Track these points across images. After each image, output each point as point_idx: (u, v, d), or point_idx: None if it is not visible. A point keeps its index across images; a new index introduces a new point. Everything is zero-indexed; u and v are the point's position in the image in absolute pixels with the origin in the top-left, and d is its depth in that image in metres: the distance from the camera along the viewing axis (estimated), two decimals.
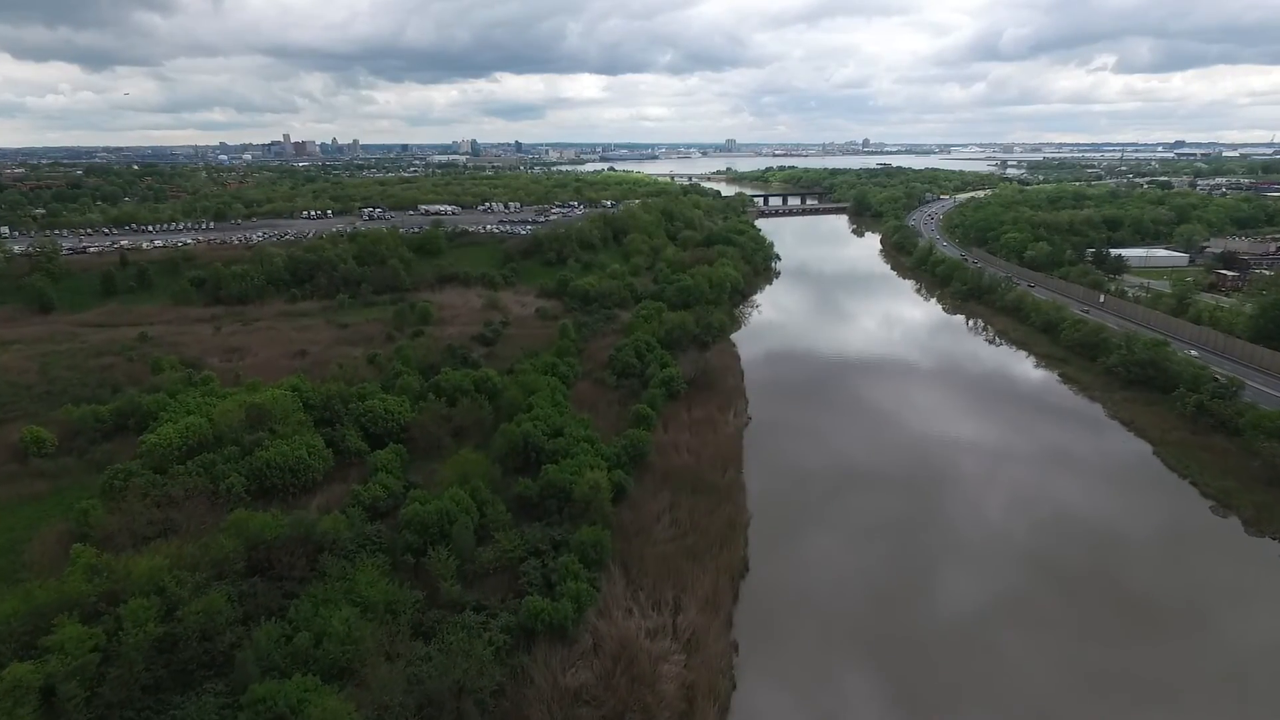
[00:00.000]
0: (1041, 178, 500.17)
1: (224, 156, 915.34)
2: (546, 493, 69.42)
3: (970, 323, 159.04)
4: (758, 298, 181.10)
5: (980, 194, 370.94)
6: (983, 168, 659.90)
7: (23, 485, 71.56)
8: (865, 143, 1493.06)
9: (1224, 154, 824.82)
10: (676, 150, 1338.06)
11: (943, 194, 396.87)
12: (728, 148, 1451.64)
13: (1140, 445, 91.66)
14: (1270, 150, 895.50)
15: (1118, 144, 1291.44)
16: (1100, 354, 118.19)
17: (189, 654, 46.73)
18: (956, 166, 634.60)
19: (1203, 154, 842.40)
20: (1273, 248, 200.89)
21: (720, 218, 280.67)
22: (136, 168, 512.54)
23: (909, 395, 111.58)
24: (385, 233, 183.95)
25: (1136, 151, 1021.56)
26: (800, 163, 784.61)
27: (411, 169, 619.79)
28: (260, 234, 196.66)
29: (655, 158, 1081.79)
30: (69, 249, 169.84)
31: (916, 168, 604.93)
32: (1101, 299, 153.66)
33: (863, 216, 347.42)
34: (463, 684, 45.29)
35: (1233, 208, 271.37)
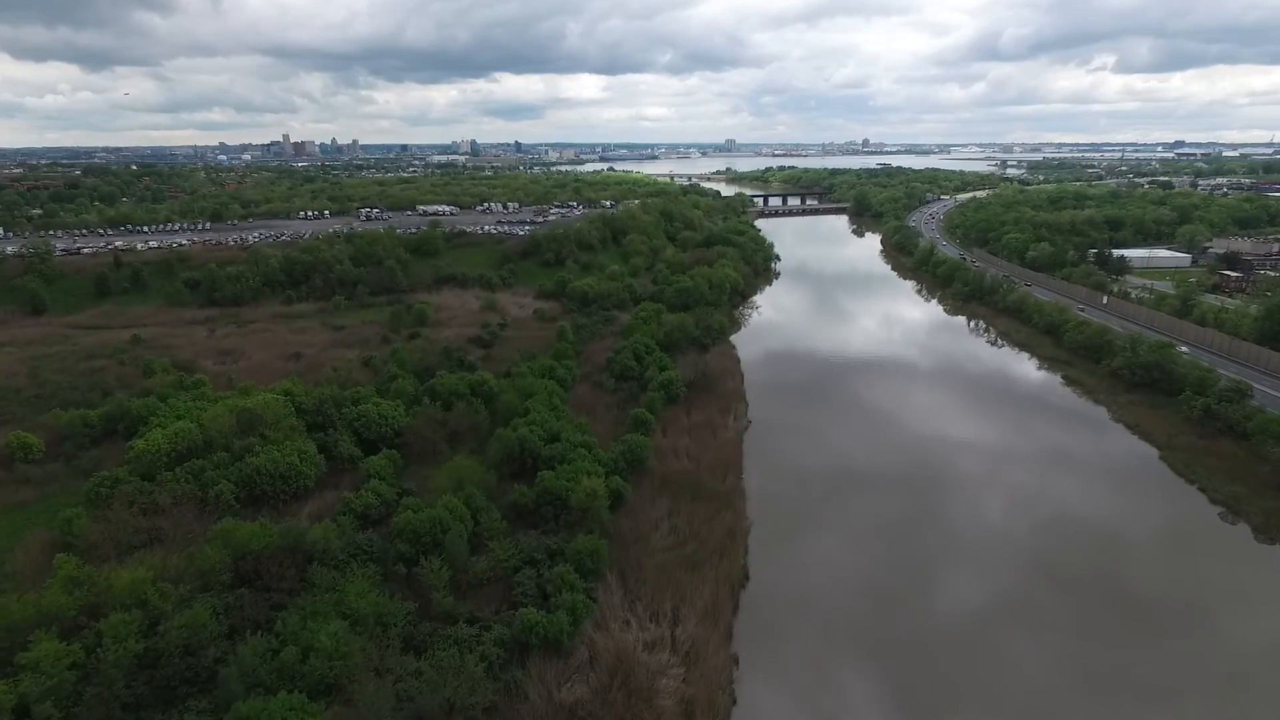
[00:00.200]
0: (1042, 178, 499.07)
1: (223, 157, 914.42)
2: (542, 500, 67.97)
3: (972, 324, 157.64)
4: (758, 299, 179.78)
5: (981, 194, 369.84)
6: (982, 168, 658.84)
7: (8, 492, 70.17)
8: (865, 143, 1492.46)
9: (1224, 154, 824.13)
10: (676, 150, 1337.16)
11: (943, 194, 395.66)
12: (727, 148, 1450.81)
13: (1146, 449, 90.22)
14: (1270, 150, 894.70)
15: (1117, 144, 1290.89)
16: (1104, 356, 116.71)
17: (171, 670, 45.25)
18: (956, 166, 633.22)
19: (1202, 154, 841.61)
20: (1276, 248, 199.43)
21: (720, 218, 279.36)
22: (135, 168, 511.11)
23: (911, 397, 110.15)
24: (382, 233, 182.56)
25: (1136, 151, 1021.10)
26: (800, 163, 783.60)
27: (411, 169, 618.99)
28: (256, 235, 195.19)
29: (655, 158, 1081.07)
30: (63, 250, 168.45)
31: (916, 168, 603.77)
32: (1104, 300, 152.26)
33: (863, 217, 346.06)
34: (454, 701, 43.87)
35: (1234, 208, 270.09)
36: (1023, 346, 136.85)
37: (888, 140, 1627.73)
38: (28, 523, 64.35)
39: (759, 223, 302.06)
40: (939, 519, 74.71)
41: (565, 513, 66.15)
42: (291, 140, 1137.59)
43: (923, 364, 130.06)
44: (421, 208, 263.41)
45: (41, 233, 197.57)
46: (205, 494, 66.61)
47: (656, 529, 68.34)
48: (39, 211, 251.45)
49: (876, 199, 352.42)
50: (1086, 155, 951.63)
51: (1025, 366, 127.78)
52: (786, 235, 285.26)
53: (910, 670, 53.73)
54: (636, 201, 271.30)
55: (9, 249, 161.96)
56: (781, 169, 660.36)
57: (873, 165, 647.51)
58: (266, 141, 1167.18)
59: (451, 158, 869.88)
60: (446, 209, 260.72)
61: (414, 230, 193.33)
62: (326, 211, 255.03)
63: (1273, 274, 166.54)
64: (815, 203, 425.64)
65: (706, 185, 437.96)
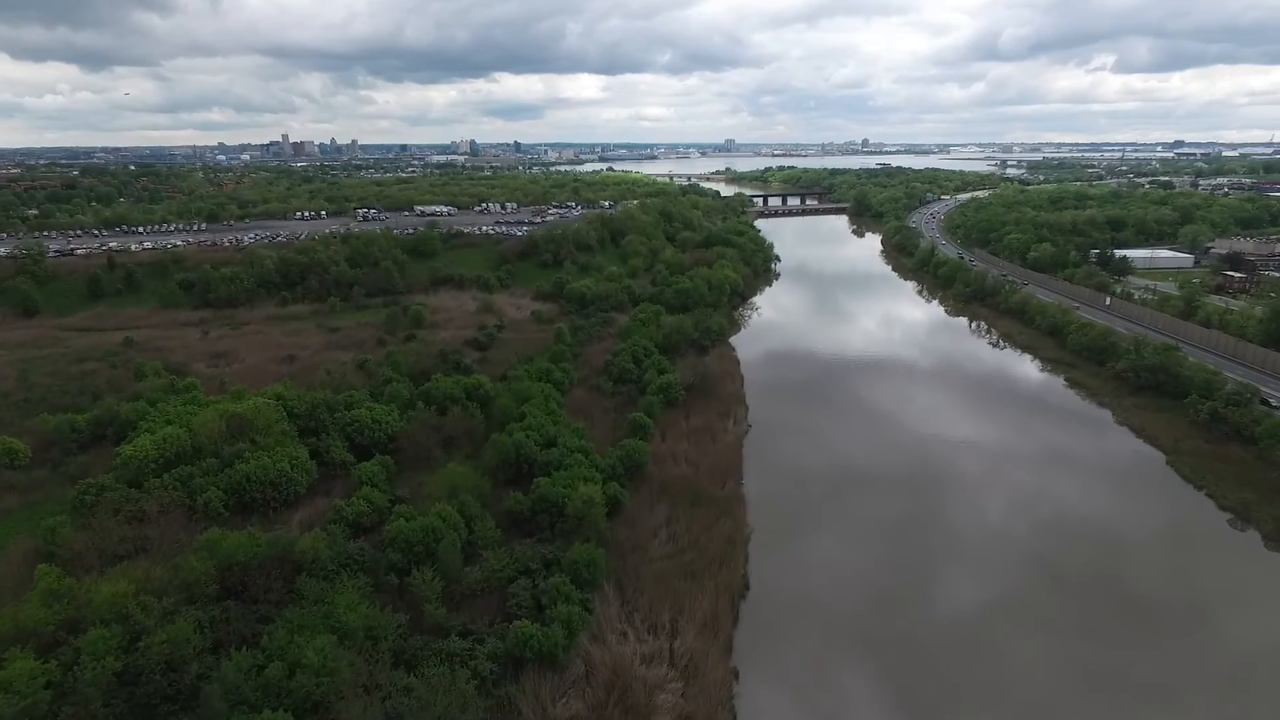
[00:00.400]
0: (1042, 178, 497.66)
1: (222, 157, 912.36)
2: (538, 507, 66.51)
3: (974, 325, 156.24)
4: (757, 299, 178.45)
5: (981, 194, 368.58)
6: (982, 168, 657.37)
7: None
8: (864, 143, 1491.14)
9: (1223, 154, 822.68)
10: (675, 150, 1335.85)
11: (943, 194, 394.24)
12: (727, 148, 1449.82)
13: (1153, 453, 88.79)
14: (1270, 150, 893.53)
15: (1117, 144, 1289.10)
16: (1109, 358, 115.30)
17: (152, 687, 43.69)
18: (956, 166, 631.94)
19: (1202, 154, 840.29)
20: (1279, 248, 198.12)
21: (719, 218, 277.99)
22: (133, 168, 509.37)
23: (912, 400, 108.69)
24: (379, 234, 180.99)
25: (1136, 151, 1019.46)
26: (799, 163, 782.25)
27: (410, 169, 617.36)
28: (252, 235, 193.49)
29: (654, 158, 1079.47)
30: (56, 251, 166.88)
31: (916, 168, 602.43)
32: (1107, 301, 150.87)
33: (863, 217, 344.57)
34: None
35: (1236, 208, 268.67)
36: (1026, 348, 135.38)
37: (887, 140, 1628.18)
38: (11, 531, 62.88)
39: (758, 223, 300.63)
40: (947, 528, 73.25)
41: (561, 520, 64.70)
42: (291, 140, 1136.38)
43: (925, 365, 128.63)
44: (419, 208, 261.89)
45: (35, 234, 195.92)
46: (193, 502, 65.17)
47: (655, 537, 66.93)
48: (35, 212, 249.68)
49: (876, 199, 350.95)
50: (1086, 155, 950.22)
51: (1028, 368, 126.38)
52: (786, 235, 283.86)
53: (914, 679, 52.66)
54: (635, 202, 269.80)
55: (1, 250, 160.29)
56: (781, 169, 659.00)
57: (872, 165, 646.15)
58: (266, 142, 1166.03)
59: (451, 158, 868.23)
60: (444, 209, 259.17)
61: (411, 231, 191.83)
62: (323, 212, 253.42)
63: (1276, 275, 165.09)
64: (815, 203, 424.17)
65: (706, 185, 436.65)
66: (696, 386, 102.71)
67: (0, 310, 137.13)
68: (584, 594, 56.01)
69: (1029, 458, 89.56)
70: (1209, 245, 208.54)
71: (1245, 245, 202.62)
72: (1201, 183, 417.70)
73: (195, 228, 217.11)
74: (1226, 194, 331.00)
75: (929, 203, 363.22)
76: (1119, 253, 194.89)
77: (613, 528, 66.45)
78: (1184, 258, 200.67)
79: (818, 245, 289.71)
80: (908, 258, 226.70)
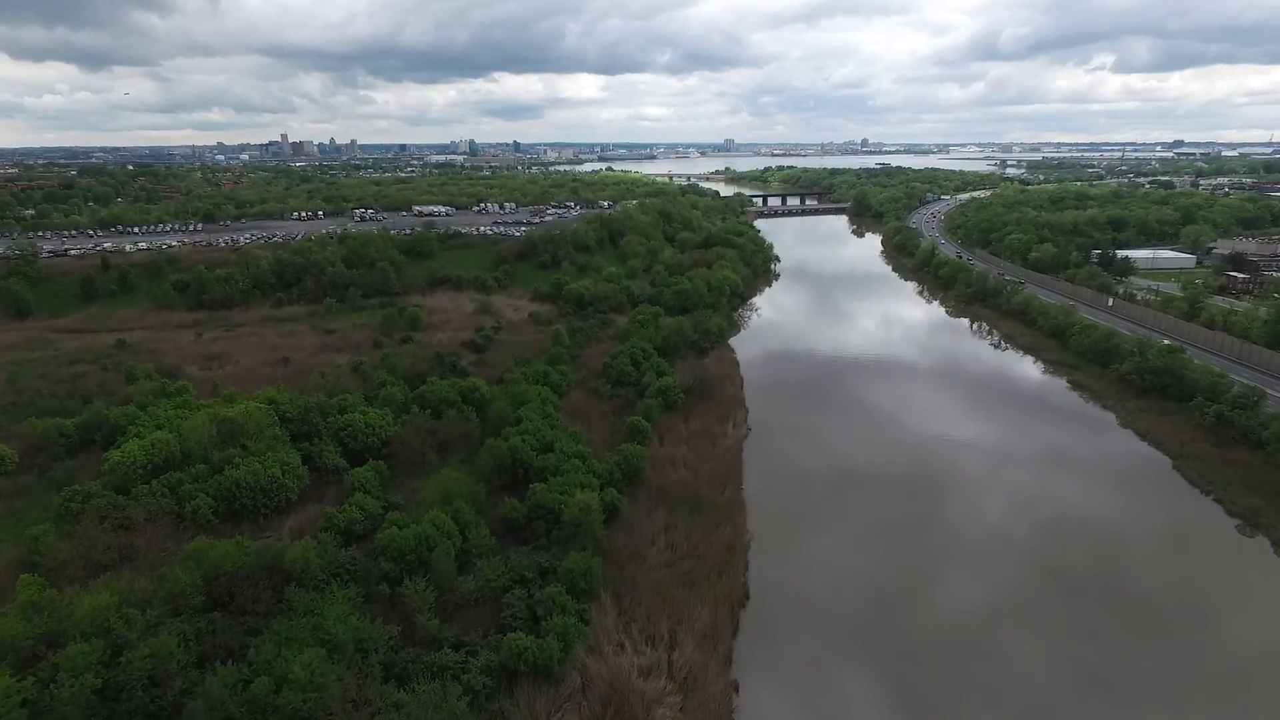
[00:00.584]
0: (1042, 177, 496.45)
1: (221, 157, 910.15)
2: (534, 514, 65.25)
3: (975, 326, 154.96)
4: (757, 300, 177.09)
5: (981, 194, 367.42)
6: (982, 167, 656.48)
7: None
8: (864, 142, 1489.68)
9: (1223, 153, 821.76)
10: (675, 150, 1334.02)
11: (943, 194, 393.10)
12: (726, 148, 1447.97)
13: (1159, 457, 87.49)
14: (1269, 150, 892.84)
15: (1117, 144, 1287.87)
16: (1112, 360, 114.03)
17: (134, 704, 42.39)
18: (955, 166, 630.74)
19: (1202, 153, 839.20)
20: None
21: (719, 218, 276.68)
22: (131, 168, 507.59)
23: (914, 402, 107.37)
24: (375, 235, 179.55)
25: (1135, 151, 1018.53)
26: (799, 162, 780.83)
27: (409, 169, 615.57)
28: (248, 236, 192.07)
29: (653, 158, 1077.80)
30: (50, 251, 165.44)
31: (916, 167, 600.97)
32: (1110, 302, 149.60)
33: (863, 217, 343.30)
34: None
35: (1238, 208, 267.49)
36: (1028, 350, 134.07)
37: (887, 140, 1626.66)
38: None
39: (758, 223, 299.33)
40: (949, 533, 71.90)
41: (558, 528, 63.41)
42: (290, 140, 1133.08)
43: (925, 367, 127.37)
44: (417, 208, 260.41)
45: (30, 234, 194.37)
46: (182, 509, 63.87)
47: (653, 545, 65.56)
48: (31, 212, 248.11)
49: (876, 199, 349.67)
50: (1086, 155, 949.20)
51: (1030, 370, 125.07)
52: (786, 235, 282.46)
53: (915, 681, 51.98)
54: (634, 202, 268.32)
55: None
56: (780, 169, 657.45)
57: (872, 165, 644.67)
58: (265, 141, 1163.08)
59: (450, 158, 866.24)
60: (442, 209, 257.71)
61: (409, 231, 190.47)
62: (321, 212, 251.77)
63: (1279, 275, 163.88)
64: (815, 203, 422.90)
65: (705, 185, 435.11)
66: (696, 389, 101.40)
67: None
68: (580, 604, 54.74)
69: (1032, 460, 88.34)
70: (1211, 246, 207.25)
71: (1248, 246, 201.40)
72: (1202, 183, 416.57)
73: (191, 228, 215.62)
74: (1227, 194, 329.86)
75: (929, 203, 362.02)
76: (1121, 253, 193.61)
77: (610, 535, 65.17)
78: (1186, 258, 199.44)
79: (817, 245, 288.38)
80: (908, 258, 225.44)
